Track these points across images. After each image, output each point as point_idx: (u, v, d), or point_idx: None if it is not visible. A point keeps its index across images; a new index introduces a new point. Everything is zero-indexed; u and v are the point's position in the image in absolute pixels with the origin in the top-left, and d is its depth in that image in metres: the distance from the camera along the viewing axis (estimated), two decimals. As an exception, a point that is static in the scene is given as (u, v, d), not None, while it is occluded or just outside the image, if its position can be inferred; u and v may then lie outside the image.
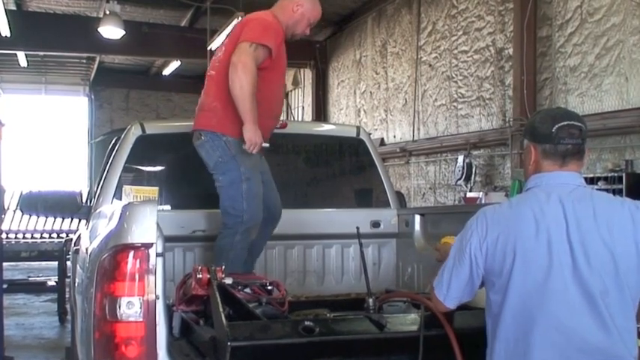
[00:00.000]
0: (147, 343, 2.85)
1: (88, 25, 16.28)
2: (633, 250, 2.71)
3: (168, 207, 5.21)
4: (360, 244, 3.94)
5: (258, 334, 2.94)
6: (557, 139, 2.82)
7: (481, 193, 11.57)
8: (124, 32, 15.44)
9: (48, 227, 13.80)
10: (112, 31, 15.46)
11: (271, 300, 3.62)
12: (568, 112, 2.99)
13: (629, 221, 2.74)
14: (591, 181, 8.68)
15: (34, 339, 9.27)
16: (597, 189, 7.51)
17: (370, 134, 6.03)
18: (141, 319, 2.83)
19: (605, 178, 8.90)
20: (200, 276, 3.30)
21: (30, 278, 13.90)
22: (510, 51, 11.49)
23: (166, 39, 17.48)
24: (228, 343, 2.77)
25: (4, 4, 13.46)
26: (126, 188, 4.90)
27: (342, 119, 18.01)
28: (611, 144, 9.46)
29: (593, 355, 2.66)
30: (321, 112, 18.81)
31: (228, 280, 3.43)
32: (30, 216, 11.85)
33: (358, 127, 5.65)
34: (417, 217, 5.11)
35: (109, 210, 3.69)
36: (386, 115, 15.82)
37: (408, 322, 3.22)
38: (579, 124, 2.86)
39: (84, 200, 5.98)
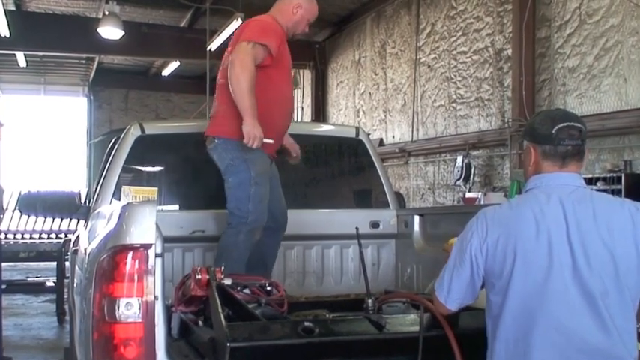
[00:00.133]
0: (146, 343, 2.84)
1: (87, 26, 16.27)
2: (633, 251, 2.71)
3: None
4: (360, 245, 3.93)
5: (257, 334, 2.93)
6: (557, 140, 2.82)
7: (480, 193, 11.58)
8: (123, 33, 15.44)
9: (47, 228, 13.78)
10: (111, 32, 15.46)
11: (270, 300, 3.61)
12: (567, 113, 2.99)
13: (629, 222, 2.74)
14: (590, 181, 8.69)
15: (32, 339, 9.25)
16: (596, 190, 7.53)
17: (369, 135, 6.03)
18: (140, 320, 2.82)
19: (604, 179, 8.91)
20: (199, 276, 3.29)
21: (29, 278, 13.87)
22: (509, 52, 11.51)
23: (166, 39, 17.47)
24: (228, 344, 2.77)
25: (3, 4, 13.46)
26: (125, 189, 4.90)
27: (341, 120, 18.01)
28: (609, 145, 9.48)
29: (593, 355, 2.66)
30: (320, 113, 18.82)
31: (228, 281, 3.43)
32: (29, 216, 11.84)
33: (357, 128, 5.65)
34: (417, 218, 5.11)
35: (108, 210, 3.68)
36: (385, 116, 15.82)
37: (407, 322, 3.22)
38: (579, 125, 2.86)
39: (83, 201, 5.97)
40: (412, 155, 14.57)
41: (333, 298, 4.48)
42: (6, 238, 12.92)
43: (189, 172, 5.47)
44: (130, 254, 2.82)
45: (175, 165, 5.45)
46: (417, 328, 3.05)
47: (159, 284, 2.88)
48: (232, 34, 15.20)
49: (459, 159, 12.36)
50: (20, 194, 9.75)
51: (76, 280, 4.33)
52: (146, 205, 2.91)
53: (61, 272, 10.37)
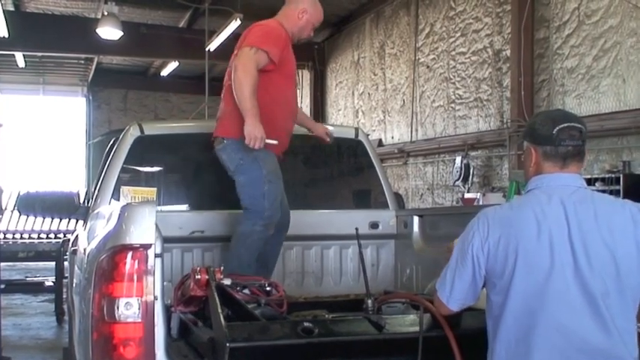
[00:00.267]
0: (145, 343, 2.84)
1: (86, 26, 16.27)
2: (634, 251, 2.72)
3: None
4: (359, 245, 3.94)
5: (256, 335, 2.93)
6: (558, 140, 2.82)
7: (479, 194, 11.59)
8: (122, 33, 15.44)
9: (45, 228, 13.79)
10: (110, 32, 15.46)
11: (270, 301, 3.61)
12: (568, 113, 2.99)
13: (630, 223, 2.74)
14: (589, 182, 8.68)
15: (31, 339, 9.25)
16: (594, 190, 7.52)
17: (368, 135, 6.03)
18: (139, 320, 2.83)
19: (603, 179, 8.92)
20: (198, 277, 3.29)
21: (27, 278, 13.86)
22: (508, 52, 11.51)
23: (164, 40, 17.46)
24: (227, 344, 2.77)
25: (2, 4, 13.44)
26: (124, 189, 4.90)
27: (340, 120, 18.02)
28: (608, 145, 9.48)
29: (593, 356, 2.66)
30: (319, 113, 18.82)
31: (227, 281, 3.43)
32: (27, 216, 11.84)
33: (357, 129, 5.65)
34: (416, 219, 5.10)
35: (107, 211, 3.68)
36: (384, 116, 15.82)
37: (407, 323, 3.22)
38: (579, 125, 2.86)
39: (81, 201, 5.97)
40: (411, 156, 14.57)
41: (333, 298, 4.48)
42: (5, 238, 12.93)
43: (188, 173, 5.47)
44: (130, 254, 2.82)
45: (174, 165, 5.45)
46: (416, 328, 3.05)
47: (158, 284, 2.88)
48: (231, 34, 15.25)
49: (458, 159, 12.36)
50: (19, 194, 9.75)
51: (75, 280, 4.33)
52: (145, 206, 2.91)
53: (59, 272, 10.37)
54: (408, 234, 5.12)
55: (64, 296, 9.34)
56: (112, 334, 2.82)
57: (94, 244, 3.38)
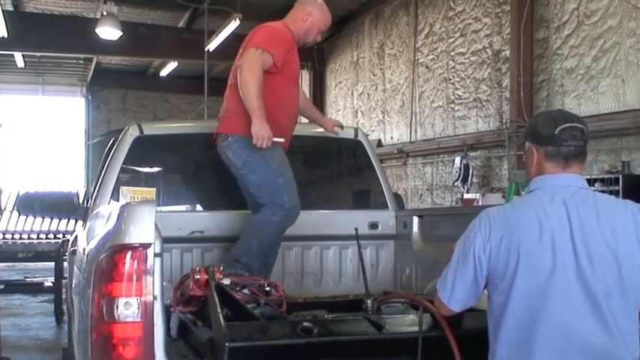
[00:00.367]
0: (144, 343, 2.84)
1: (85, 26, 16.27)
2: (636, 252, 2.72)
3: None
4: (359, 246, 3.93)
5: (256, 334, 2.93)
6: (560, 141, 2.82)
7: (478, 194, 11.59)
8: (121, 33, 15.44)
9: (45, 228, 13.80)
10: (109, 32, 15.46)
11: (269, 301, 3.61)
12: (569, 114, 2.99)
13: (632, 223, 2.75)
14: (588, 182, 8.59)
15: (30, 340, 9.24)
16: (594, 191, 7.52)
17: (367, 135, 6.03)
18: (138, 320, 2.82)
19: (602, 180, 8.92)
20: (198, 277, 3.29)
21: (27, 279, 13.83)
22: (507, 53, 11.51)
23: (164, 40, 17.47)
24: (226, 344, 2.77)
25: (1, 4, 13.45)
26: (123, 189, 4.90)
27: (339, 120, 17.99)
28: (607, 145, 9.48)
29: (595, 357, 2.65)
30: (318, 114, 18.80)
31: (226, 281, 3.43)
32: (27, 217, 11.85)
33: (356, 129, 5.66)
34: (415, 219, 5.10)
35: (107, 210, 3.68)
36: (383, 117, 15.83)
37: (406, 323, 3.22)
38: (581, 125, 2.86)
39: (81, 201, 5.97)
40: (410, 156, 14.57)
41: (332, 298, 4.48)
42: (4, 238, 12.93)
43: (187, 173, 5.48)
44: (129, 254, 2.82)
45: (174, 165, 5.45)
46: (416, 328, 3.05)
47: (158, 284, 2.87)
48: (230, 34, 15.24)
49: (457, 160, 12.37)
50: (18, 194, 9.74)
51: (74, 281, 4.33)
52: (145, 205, 2.91)
53: (59, 272, 10.37)
54: (407, 234, 5.12)
55: (64, 296, 9.33)
56: (112, 333, 2.82)
57: (93, 244, 3.37)
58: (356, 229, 4.08)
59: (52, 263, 10.93)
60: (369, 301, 3.40)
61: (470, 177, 12.22)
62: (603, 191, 8.19)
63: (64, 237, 11.88)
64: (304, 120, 6.09)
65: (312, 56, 18.66)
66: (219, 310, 2.98)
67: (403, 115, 14.91)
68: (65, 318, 8.74)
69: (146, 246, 2.83)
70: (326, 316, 3.60)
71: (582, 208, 2.74)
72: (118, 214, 2.97)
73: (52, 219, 11.66)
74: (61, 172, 24.84)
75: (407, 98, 14.72)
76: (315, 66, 18.90)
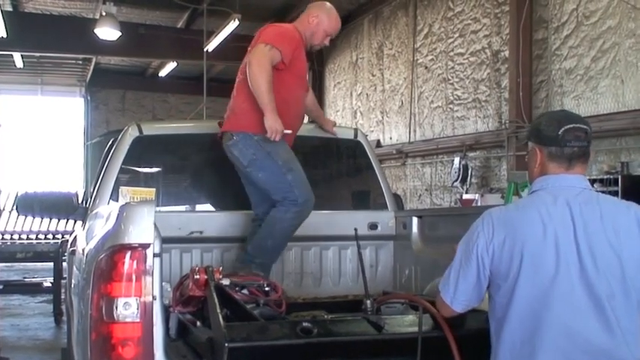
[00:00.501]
0: (144, 343, 2.83)
1: (84, 27, 16.27)
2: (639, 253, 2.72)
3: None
4: (358, 246, 3.93)
5: (255, 335, 2.93)
6: (564, 141, 2.82)
7: (477, 194, 11.59)
8: (120, 33, 15.43)
9: (44, 228, 13.77)
10: (108, 33, 15.45)
11: (269, 301, 3.61)
12: (573, 114, 2.99)
13: (635, 224, 2.74)
14: (587, 183, 8.67)
15: (29, 340, 9.23)
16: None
17: (367, 136, 6.03)
18: (138, 320, 2.82)
19: (601, 180, 8.93)
20: (197, 277, 3.29)
21: (25, 279, 13.84)
22: (506, 53, 11.52)
23: (163, 40, 17.47)
24: (226, 344, 2.76)
25: (0, 4, 13.44)
26: (122, 189, 4.89)
27: (338, 121, 17.99)
28: (606, 146, 9.49)
29: (597, 357, 2.64)
30: (317, 114, 18.80)
31: (226, 281, 3.43)
32: (26, 217, 11.84)
33: (356, 130, 5.65)
34: (415, 220, 5.09)
35: (106, 211, 3.67)
36: (382, 117, 15.83)
37: (406, 323, 3.21)
38: (585, 126, 2.86)
39: (80, 201, 5.96)
40: (409, 156, 14.58)
41: (331, 299, 4.47)
42: (3, 238, 12.91)
43: (187, 173, 5.48)
44: (129, 254, 2.81)
45: (173, 166, 5.45)
46: (415, 329, 3.05)
47: (157, 284, 2.87)
48: (229, 34, 15.24)
49: (456, 160, 12.37)
50: (17, 195, 9.73)
51: (73, 281, 4.32)
52: (144, 205, 2.90)
53: (58, 273, 10.36)
54: (406, 235, 5.11)
55: (63, 297, 9.33)
56: (111, 334, 2.81)
57: (92, 244, 3.37)
58: (355, 229, 4.08)
59: (51, 263, 10.92)
60: (368, 302, 3.40)
61: (469, 177, 12.22)
62: (602, 192, 8.19)
63: (62, 237, 11.86)
64: (304, 120, 6.09)
65: (311, 57, 18.64)
66: (218, 310, 2.98)
67: (402, 116, 14.91)
68: (64, 318, 8.74)
69: (145, 246, 2.82)
70: (325, 316, 3.60)
71: (586, 209, 2.74)
72: (118, 214, 2.96)
73: (51, 219, 11.64)
74: (59, 172, 24.83)
75: (406, 99, 14.73)
76: (314, 66, 18.89)
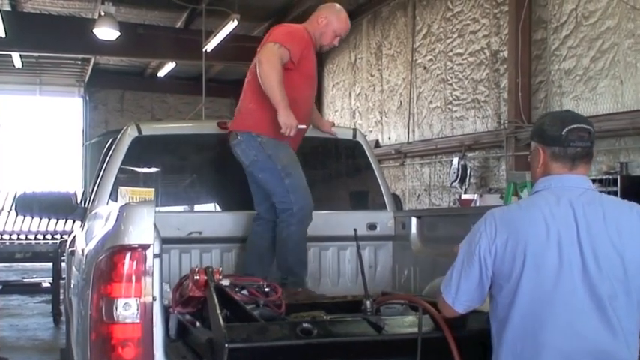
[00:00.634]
0: (144, 344, 2.83)
1: (83, 27, 16.25)
2: None
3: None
4: (358, 247, 3.93)
5: (255, 335, 2.93)
6: (567, 141, 2.81)
7: (476, 195, 11.58)
8: (119, 34, 15.41)
9: (42, 228, 13.75)
10: (107, 33, 15.43)
11: (268, 302, 3.61)
12: (576, 115, 2.97)
13: (637, 225, 2.75)
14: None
15: (28, 340, 9.23)
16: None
17: (366, 136, 6.04)
18: (138, 320, 2.82)
19: (600, 181, 8.92)
20: (197, 277, 3.29)
21: (24, 279, 13.85)
22: (505, 54, 11.52)
23: (161, 40, 17.46)
24: (226, 345, 2.76)
25: (-1, 4, 13.44)
26: (121, 190, 4.89)
27: (337, 121, 17.98)
28: (605, 146, 9.49)
29: (598, 358, 2.65)
30: (316, 114, 18.79)
31: (225, 282, 3.42)
32: (24, 217, 11.83)
33: (355, 130, 5.66)
34: (414, 220, 5.09)
35: (106, 211, 3.67)
36: (381, 117, 15.83)
37: (406, 324, 3.21)
38: (588, 127, 2.85)
39: (79, 201, 5.96)
40: (408, 157, 14.57)
41: (331, 299, 4.47)
42: (2, 238, 12.88)
43: (186, 174, 5.48)
44: (128, 254, 2.81)
45: (172, 166, 5.45)
46: (415, 329, 3.04)
47: (157, 285, 2.87)
48: (228, 35, 15.22)
49: (455, 160, 12.36)
50: (15, 195, 9.71)
51: (72, 281, 4.32)
52: (144, 206, 2.90)
53: (57, 273, 10.36)
54: (406, 235, 5.12)
55: (62, 297, 9.32)
56: (111, 334, 2.81)
57: (92, 244, 3.37)
58: (355, 229, 4.07)
59: (50, 264, 10.92)
60: (368, 302, 3.40)
61: (468, 178, 12.22)
62: (601, 192, 8.19)
63: (61, 237, 11.84)
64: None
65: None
66: (218, 310, 2.98)
67: (401, 116, 14.91)
68: (63, 318, 8.74)
69: (145, 247, 2.82)
70: (325, 317, 3.60)
71: (589, 210, 2.74)
72: (117, 215, 2.96)
73: (49, 219, 11.64)
74: (58, 172, 24.82)
75: (405, 99, 14.73)
76: (313, 66, 18.87)
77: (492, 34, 12.01)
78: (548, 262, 2.69)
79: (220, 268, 3.43)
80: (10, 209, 12.81)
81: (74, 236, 5.49)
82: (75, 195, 5.63)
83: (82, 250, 3.76)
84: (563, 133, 2.81)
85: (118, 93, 24.69)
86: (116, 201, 4.80)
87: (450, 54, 13.20)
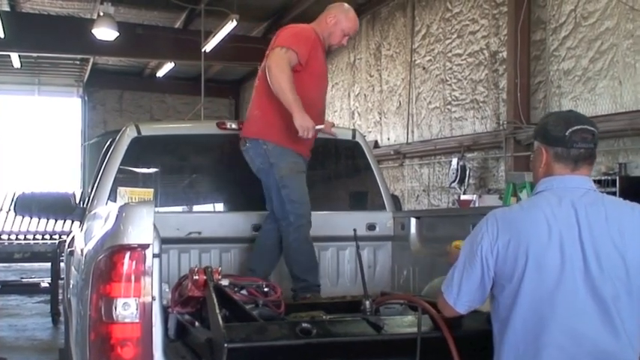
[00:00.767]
0: (143, 344, 2.83)
1: (81, 27, 16.25)
2: None
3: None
4: (357, 247, 3.93)
5: (254, 335, 2.92)
6: (571, 142, 2.81)
7: (475, 195, 11.57)
8: (117, 34, 15.41)
9: (41, 228, 13.76)
10: (105, 33, 15.43)
11: (267, 302, 3.61)
12: (580, 115, 2.96)
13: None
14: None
15: (26, 340, 9.23)
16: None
17: (365, 137, 6.04)
18: (137, 321, 2.81)
19: (599, 182, 8.91)
20: (196, 277, 3.29)
21: (23, 279, 13.85)
22: (504, 54, 11.51)
23: (160, 41, 17.45)
24: (225, 345, 2.76)
25: (-2, 5, 13.44)
26: (121, 190, 4.90)
27: (336, 122, 17.99)
28: (604, 147, 9.47)
29: (600, 358, 2.65)
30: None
31: (225, 282, 3.42)
32: (23, 217, 11.84)
33: (354, 130, 5.66)
34: (413, 220, 5.10)
35: (105, 211, 3.67)
36: (380, 118, 15.82)
37: (405, 324, 3.21)
38: (592, 128, 2.84)
39: (77, 202, 5.96)
40: (407, 157, 14.56)
41: (330, 300, 4.47)
42: (0, 239, 12.89)
43: (185, 174, 5.48)
44: (128, 254, 2.80)
45: (171, 166, 5.45)
46: (415, 329, 3.04)
47: (156, 285, 2.86)
48: (227, 35, 15.21)
49: (454, 161, 12.36)
50: (14, 195, 9.70)
51: (71, 281, 4.32)
52: (144, 206, 2.89)
53: (55, 273, 10.35)
54: (405, 236, 5.12)
55: (60, 297, 9.32)
56: (110, 334, 2.80)
57: (91, 244, 3.36)
58: (354, 230, 4.08)
59: (49, 264, 10.92)
60: (367, 302, 3.40)
61: (467, 178, 12.21)
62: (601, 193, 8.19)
63: (60, 238, 11.85)
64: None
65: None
66: (217, 310, 2.98)
67: (400, 117, 14.91)
68: (62, 319, 8.73)
69: (145, 247, 2.81)
70: (324, 317, 3.60)
71: (591, 210, 2.74)
72: (117, 215, 2.96)
73: (48, 219, 11.63)
74: (57, 172, 24.82)
75: (404, 99, 14.72)
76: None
77: (491, 34, 12.01)
78: (549, 262, 2.68)
79: (219, 268, 3.43)
80: (9, 209, 12.82)
81: (73, 236, 5.49)
82: (74, 195, 5.63)
83: (81, 251, 3.76)
84: (566, 133, 2.81)
85: (116, 93, 24.71)
86: (115, 201, 4.80)
87: (449, 54, 13.20)
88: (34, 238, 13.34)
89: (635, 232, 2.73)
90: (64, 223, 12.50)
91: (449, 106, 13.19)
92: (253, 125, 4.80)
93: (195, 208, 5.50)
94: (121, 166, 4.95)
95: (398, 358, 3.10)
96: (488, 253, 2.78)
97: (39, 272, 13.84)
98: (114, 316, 2.79)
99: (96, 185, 5.21)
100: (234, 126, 5.19)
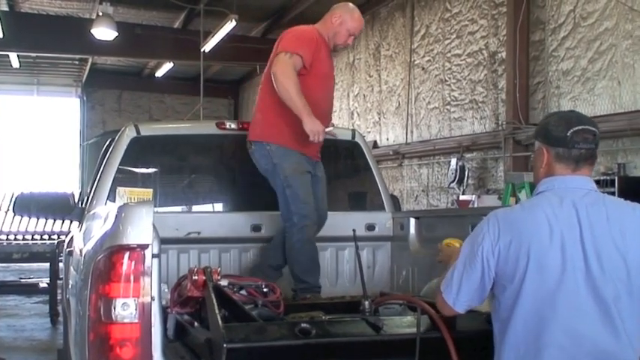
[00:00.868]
0: (142, 344, 2.82)
1: (80, 27, 16.23)
2: None
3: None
4: (357, 247, 3.93)
5: (254, 335, 2.92)
6: (572, 143, 2.80)
7: (474, 195, 11.57)
8: (116, 34, 15.39)
9: (40, 229, 13.75)
10: (104, 33, 15.42)
11: (267, 302, 3.61)
12: (582, 116, 2.96)
13: None
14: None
15: (25, 340, 9.23)
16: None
17: (364, 137, 6.04)
18: (136, 321, 2.81)
19: (598, 182, 8.91)
20: (196, 277, 3.29)
21: (21, 280, 13.84)
22: (503, 54, 11.52)
23: (159, 41, 17.44)
24: (224, 345, 2.76)
25: (-4, 4, 13.43)
26: (120, 190, 4.89)
27: (335, 122, 17.98)
28: (603, 147, 9.47)
29: (600, 359, 2.65)
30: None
31: (224, 282, 3.42)
32: (22, 217, 11.83)
33: (353, 130, 5.66)
34: (412, 221, 5.10)
35: (104, 211, 3.67)
36: (379, 118, 15.82)
37: (404, 324, 3.21)
38: (593, 128, 2.84)
39: (76, 202, 5.96)
40: (406, 157, 14.56)
41: (329, 300, 4.47)
42: (-1, 239, 12.89)
43: (184, 174, 5.48)
44: (127, 255, 2.80)
45: (171, 166, 5.45)
46: (414, 329, 3.04)
47: (155, 285, 2.86)
48: (226, 35, 15.19)
49: (453, 161, 12.36)
50: (13, 195, 9.69)
51: (70, 282, 4.31)
52: (143, 206, 2.89)
53: (54, 273, 10.35)
54: (404, 236, 5.12)
55: (59, 297, 9.32)
56: (109, 334, 2.80)
57: (90, 244, 3.36)
58: (354, 230, 4.08)
59: (47, 264, 10.92)
60: (366, 303, 3.39)
61: (466, 178, 12.21)
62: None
63: (59, 238, 11.84)
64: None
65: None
66: (216, 311, 2.97)
67: (399, 117, 14.91)
68: (60, 319, 8.73)
69: (144, 247, 2.81)
70: (323, 317, 3.60)
71: (592, 211, 2.73)
72: (116, 215, 2.95)
73: (47, 219, 11.63)
74: (55, 172, 24.81)
75: (403, 100, 14.72)
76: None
77: (490, 35, 12.01)
78: (551, 263, 2.68)
79: (219, 269, 3.43)
80: (8, 209, 12.81)
81: (72, 236, 5.48)
82: (72, 195, 5.61)
83: (80, 251, 3.75)
84: (568, 134, 2.80)
85: (115, 93, 24.69)
86: (114, 201, 4.80)
87: (448, 55, 13.20)
88: (33, 239, 13.33)
89: (636, 232, 2.73)
90: (63, 223, 12.49)
91: (448, 107, 13.19)
92: (257, 128, 4.83)
93: (195, 208, 5.49)
94: (120, 166, 4.95)
95: (397, 359, 3.10)
96: (489, 253, 2.78)
97: (38, 272, 13.83)
98: (113, 316, 2.79)
99: (95, 185, 5.21)
100: (233, 126, 5.19)
